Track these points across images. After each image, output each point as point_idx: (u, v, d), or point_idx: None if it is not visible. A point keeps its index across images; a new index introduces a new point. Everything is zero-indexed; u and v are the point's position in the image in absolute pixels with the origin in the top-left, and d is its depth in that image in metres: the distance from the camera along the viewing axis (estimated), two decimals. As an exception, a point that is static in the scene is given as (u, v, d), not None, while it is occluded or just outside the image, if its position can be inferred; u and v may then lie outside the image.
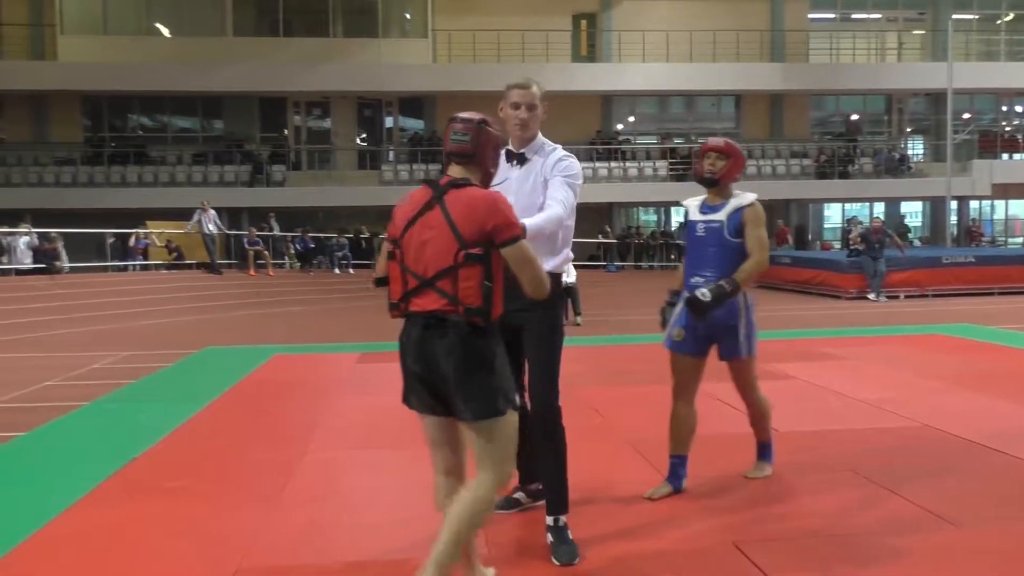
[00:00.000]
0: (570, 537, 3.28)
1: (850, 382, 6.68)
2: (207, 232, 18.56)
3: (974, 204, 28.21)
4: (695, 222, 4.02)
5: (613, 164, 25.63)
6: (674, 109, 28.52)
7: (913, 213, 29.14)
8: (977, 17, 28.35)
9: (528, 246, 2.72)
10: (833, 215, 29.22)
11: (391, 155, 26.33)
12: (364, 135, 27.30)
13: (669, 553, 3.29)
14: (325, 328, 12.52)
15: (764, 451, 4.34)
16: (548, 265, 3.15)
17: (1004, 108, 29.35)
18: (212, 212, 18.73)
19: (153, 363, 8.64)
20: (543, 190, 3.32)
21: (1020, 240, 28.13)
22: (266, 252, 19.97)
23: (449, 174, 2.80)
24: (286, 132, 26.80)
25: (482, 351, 2.68)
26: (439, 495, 2.84)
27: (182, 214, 19.52)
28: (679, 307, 4.01)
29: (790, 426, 5.30)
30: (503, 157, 3.27)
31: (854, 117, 28.98)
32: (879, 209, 27.90)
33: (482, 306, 2.66)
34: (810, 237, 27.69)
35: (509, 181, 3.35)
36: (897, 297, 16.01)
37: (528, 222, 2.96)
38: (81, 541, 3.52)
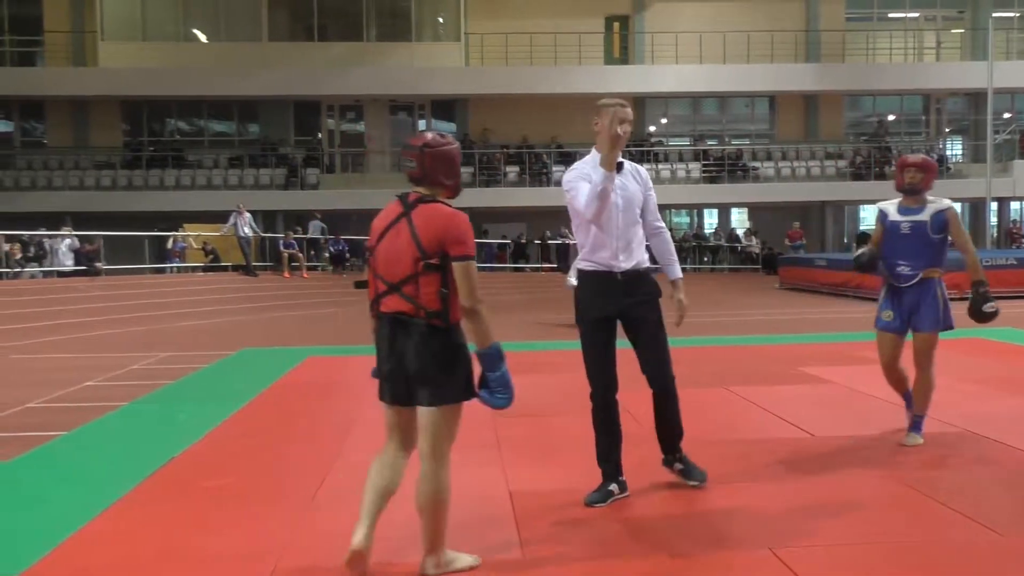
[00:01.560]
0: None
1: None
2: (242, 235, 18.77)
3: (1015, 205, 27.69)
4: (898, 222, 4.98)
5: (646, 166, 25.34)
6: (707, 111, 28.35)
7: (952, 215, 28.64)
8: (1018, 15, 27.83)
9: (472, 266, 3.03)
10: (869, 217, 28.85)
11: (424, 158, 26.45)
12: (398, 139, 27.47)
13: (704, 560, 3.27)
14: (359, 330, 12.58)
15: (918, 423, 5.02)
16: (646, 260, 4.02)
17: (1047, 108, 28.79)
18: (247, 215, 18.95)
19: (191, 364, 8.76)
20: (641, 194, 4.04)
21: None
22: (300, 255, 20.16)
23: (417, 191, 3.13)
24: (320, 135, 27.04)
25: (442, 349, 3.02)
26: (379, 464, 3.18)
27: (218, 217, 19.78)
28: (883, 293, 5.07)
29: (826, 431, 5.25)
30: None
31: (891, 118, 28.58)
32: (917, 211, 27.49)
33: (440, 310, 3.00)
34: (846, 240, 27.36)
35: (619, 184, 3.91)
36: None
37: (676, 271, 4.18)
38: (121, 540, 3.58)
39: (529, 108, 25.77)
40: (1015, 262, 16.84)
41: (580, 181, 3.90)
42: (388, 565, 3.23)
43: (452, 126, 27.29)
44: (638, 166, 4.11)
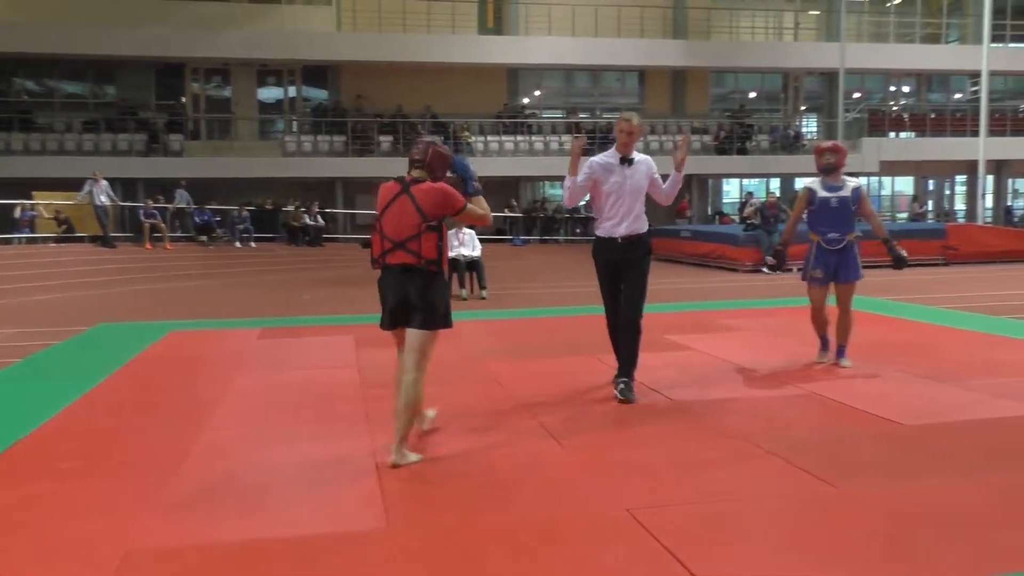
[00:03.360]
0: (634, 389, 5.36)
1: (743, 352, 6.94)
2: (99, 204, 17.80)
3: (863, 180, 29.45)
4: (827, 197, 6.14)
5: (519, 138, 25.68)
6: (580, 84, 28.73)
7: (807, 189, 30.18)
8: (868, 0, 29.45)
9: (471, 207, 4.25)
10: (732, 190, 30.05)
11: (294, 126, 25.75)
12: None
13: (563, 520, 3.38)
14: (225, 303, 12.22)
15: (842, 351, 6.29)
16: (643, 227, 5.39)
17: (892, 88, 30.66)
18: (104, 183, 17.97)
19: (42, 340, 8.29)
20: (646, 179, 5.40)
21: (906, 215, 29.53)
22: (163, 225, 19.33)
23: (411, 174, 4.19)
24: (184, 100, 25.85)
25: (434, 288, 4.13)
26: (399, 373, 4.26)
27: (72, 184, 18.67)
28: (813, 253, 6.22)
29: (686, 396, 5.48)
30: (616, 158, 5.37)
31: (752, 95, 29.77)
32: (775, 185, 28.86)
33: (436, 259, 4.11)
34: (710, 212, 28.43)
35: (624, 174, 5.35)
36: (791, 270, 16.60)
37: (664, 191, 5.46)
38: (-38, 527, 3.38)
39: (403, 76, 25.43)
40: (862, 234, 17.92)
41: (599, 171, 5.36)
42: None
43: (323, 93, 26.63)
44: (648, 158, 5.45)
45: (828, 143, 6.28)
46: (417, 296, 4.07)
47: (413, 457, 4.11)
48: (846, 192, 6.16)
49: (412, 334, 4.12)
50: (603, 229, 5.42)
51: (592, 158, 5.44)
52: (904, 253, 6.32)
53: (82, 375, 6.32)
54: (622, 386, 5.31)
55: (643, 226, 5.40)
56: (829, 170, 6.17)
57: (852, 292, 6.28)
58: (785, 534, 3.24)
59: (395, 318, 4.18)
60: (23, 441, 4.58)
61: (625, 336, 5.33)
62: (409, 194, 4.09)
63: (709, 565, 2.93)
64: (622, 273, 5.35)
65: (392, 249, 4.10)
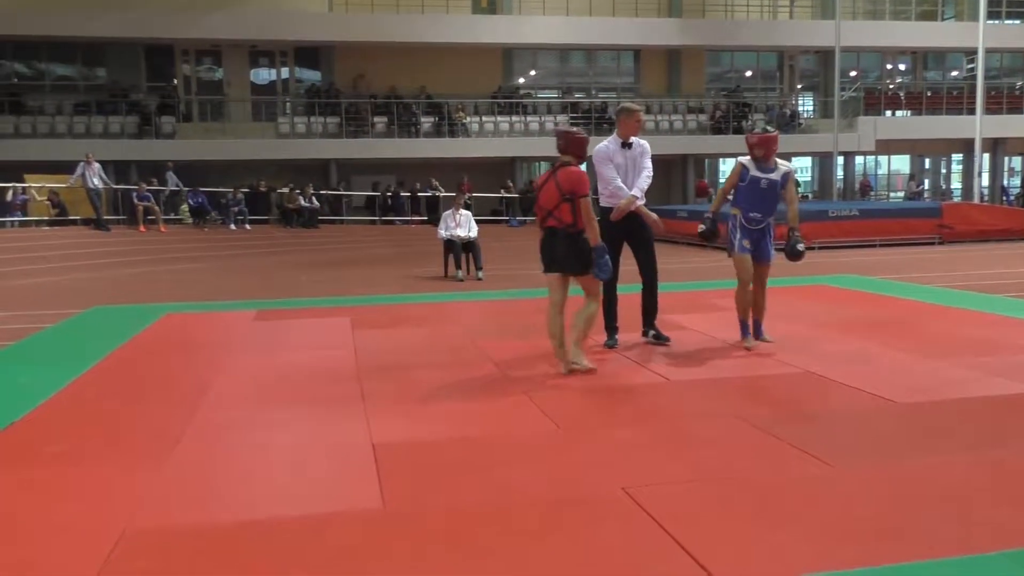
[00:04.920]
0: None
1: (737, 332, 6.92)
2: (92, 186, 17.72)
3: (859, 159, 29.42)
4: (759, 178, 6.14)
5: (515, 118, 25.57)
6: (575, 63, 28.59)
7: (802, 168, 30.21)
8: (864, -23, 29.30)
9: (587, 202, 5.35)
10: (728, 170, 29.99)
11: (287, 107, 25.60)
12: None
13: (560, 499, 3.38)
14: (220, 285, 12.19)
15: (760, 327, 6.37)
16: (642, 201, 6.24)
17: (888, 66, 30.56)
18: (97, 165, 17.88)
19: (35, 323, 8.27)
20: (642, 160, 6.29)
21: (902, 194, 29.52)
22: (157, 207, 19.22)
23: (561, 159, 5.46)
24: (175, 82, 25.68)
25: (576, 244, 5.38)
26: (551, 314, 5.58)
27: (64, 167, 18.57)
28: (739, 228, 6.21)
29: (682, 375, 5.48)
30: (618, 143, 6.25)
31: (748, 74, 29.66)
32: (771, 164, 28.79)
33: (572, 223, 5.35)
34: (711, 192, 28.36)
35: (625, 155, 6.24)
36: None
37: (638, 187, 6.21)
38: (-45, 510, 3.37)
39: (396, 57, 25.27)
40: (858, 213, 17.94)
41: (606, 162, 6.20)
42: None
43: (316, 74, 26.47)
44: (643, 141, 6.32)
45: (755, 136, 6.23)
46: (562, 251, 5.39)
47: (588, 363, 5.52)
48: (777, 176, 6.16)
49: (578, 280, 5.51)
50: (611, 202, 6.25)
51: (598, 146, 6.25)
52: (802, 248, 6.24)
53: (76, 358, 6.29)
54: (654, 332, 6.43)
55: (641, 200, 6.27)
56: (763, 159, 6.19)
57: (768, 272, 6.34)
58: (782, 512, 3.24)
59: (548, 266, 5.52)
60: (16, 424, 4.57)
61: (650, 293, 6.45)
62: (555, 176, 5.40)
63: (706, 543, 2.93)
64: (628, 240, 6.28)
65: (546, 216, 5.42)
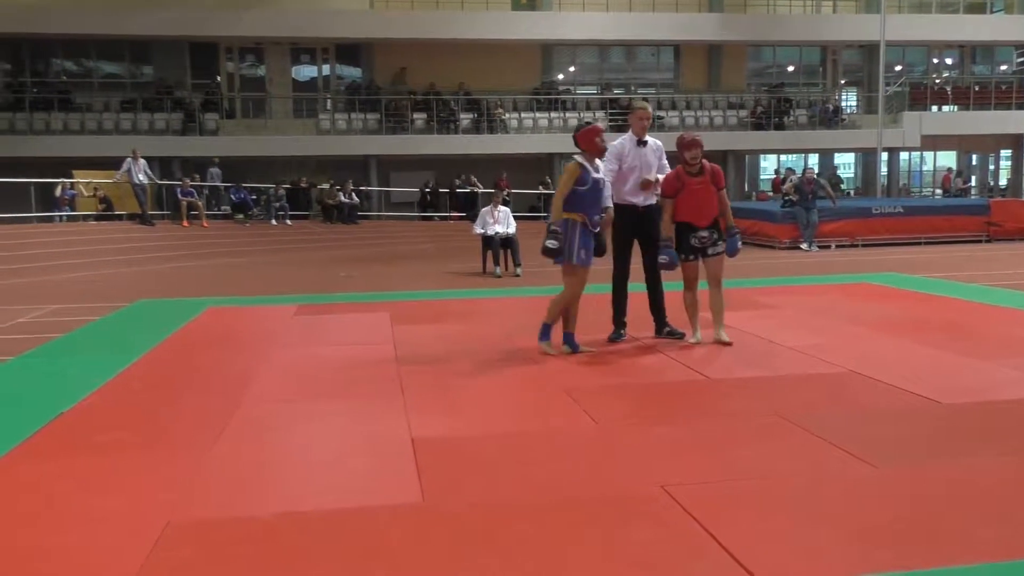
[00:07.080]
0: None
1: (781, 330, 6.86)
2: (137, 182, 18.04)
3: (904, 156, 28.90)
4: (598, 179, 6.05)
5: (553, 114, 25.53)
6: (614, 59, 28.45)
7: (846, 164, 29.75)
8: (911, -30, 28.75)
9: (723, 193, 6.12)
10: (769, 166, 29.65)
11: (328, 104, 25.82)
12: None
13: (597, 496, 3.37)
14: (262, 280, 12.35)
15: (545, 331, 6.14)
16: (648, 200, 6.41)
17: (935, 60, 29.96)
18: (143, 161, 18.19)
19: (83, 316, 8.44)
20: (656, 157, 6.41)
21: (940, 192, 28.91)
22: (199, 203, 19.52)
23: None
24: (219, 79, 26.03)
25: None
26: (688, 298, 6.36)
27: (110, 163, 18.92)
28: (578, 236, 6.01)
29: (722, 373, 5.44)
30: (633, 141, 6.36)
31: (790, 68, 29.27)
32: (813, 160, 28.42)
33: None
34: (747, 188, 28.10)
35: (639, 153, 6.32)
36: (829, 247, 16.41)
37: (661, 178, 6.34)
38: (8, 498, 3.46)
39: (436, 54, 25.35)
40: (902, 210, 17.63)
41: (611, 159, 6.20)
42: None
43: (358, 71, 26.66)
44: (657, 141, 6.44)
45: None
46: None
47: (725, 336, 6.25)
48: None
49: (708, 263, 6.23)
50: (623, 200, 6.31)
51: (612, 143, 6.28)
52: (555, 245, 5.84)
53: (123, 350, 6.42)
54: (668, 329, 6.53)
55: (655, 198, 6.43)
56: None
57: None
58: (822, 512, 3.20)
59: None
60: (65, 414, 4.67)
61: (654, 293, 6.55)
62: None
63: (746, 543, 2.91)
64: (639, 235, 6.39)
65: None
